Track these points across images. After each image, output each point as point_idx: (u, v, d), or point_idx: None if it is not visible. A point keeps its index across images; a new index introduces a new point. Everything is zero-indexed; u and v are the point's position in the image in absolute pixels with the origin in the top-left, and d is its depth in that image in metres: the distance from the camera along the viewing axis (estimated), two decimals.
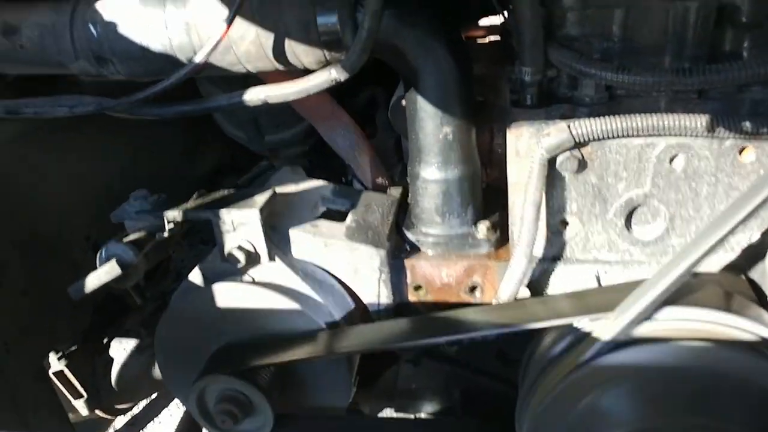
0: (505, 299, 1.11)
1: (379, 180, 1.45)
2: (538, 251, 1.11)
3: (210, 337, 1.22)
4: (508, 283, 1.10)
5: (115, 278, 1.09)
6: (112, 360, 1.64)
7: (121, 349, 1.66)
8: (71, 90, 1.41)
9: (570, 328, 1.02)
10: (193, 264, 1.81)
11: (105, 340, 1.67)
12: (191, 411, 1.20)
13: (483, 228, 1.18)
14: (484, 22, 1.73)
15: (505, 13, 1.19)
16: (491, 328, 1.05)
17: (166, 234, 1.14)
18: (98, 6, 1.17)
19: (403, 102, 1.40)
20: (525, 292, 1.13)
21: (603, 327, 0.95)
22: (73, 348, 1.62)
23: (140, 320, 1.70)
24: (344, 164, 1.78)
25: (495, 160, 1.26)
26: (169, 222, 1.15)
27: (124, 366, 1.63)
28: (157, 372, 1.69)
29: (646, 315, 0.94)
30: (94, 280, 1.09)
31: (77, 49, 1.19)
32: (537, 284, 1.14)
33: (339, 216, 1.27)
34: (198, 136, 1.89)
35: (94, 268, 1.41)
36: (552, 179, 1.04)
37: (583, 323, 0.99)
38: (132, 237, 1.15)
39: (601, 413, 0.95)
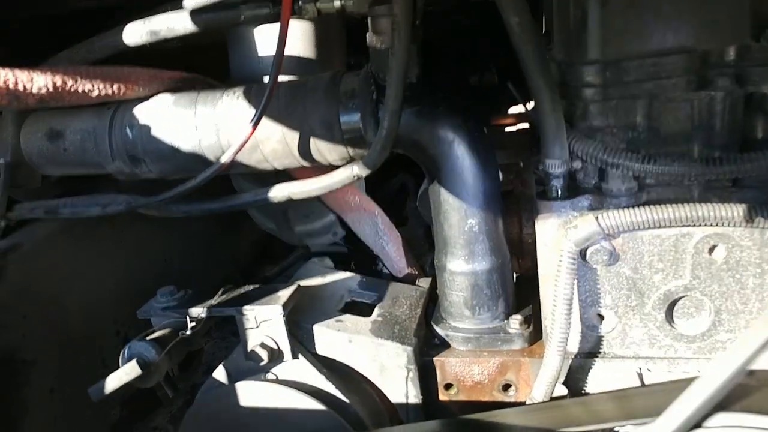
0: (540, 398, 1.04)
1: (408, 270, 1.43)
2: (573, 346, 1.05)
3: None
4: (542, 382, 1.03)
5: (136, 378, 1.07)
6: None
7: None
8: (108, 186, 1.48)
9: None
10: (223, 357, 1.80)
11: None
12: None
13: (515, 322, 1.13)
14: (513, 110, 1.75)
15: (528, 105, 1.20)
16: None
17: (188, 332, 1.13)
18: (135, 110, 1.23)
19: None
20: (562, 390, 1.06)
21: None
22: None
23: (168, 416, 1.67)
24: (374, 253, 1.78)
25: (526, 250, 1.23)
26: (192, 320, 1.14)
27: None
28: None
29: (695, 422, 0.86)
30: (114, 381, 1.08)
31: (114, 151, 1.24)
32: (574, 381, 1.07)
33: (366, 309, 1.24)
34: (233, 227, 1.93)
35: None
36: (584, 272, 1.00)
37: (626, 429, 0.91)
38: (156, 334, 1.14)
39: None
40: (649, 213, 0.91)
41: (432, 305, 1.27)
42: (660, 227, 0.93)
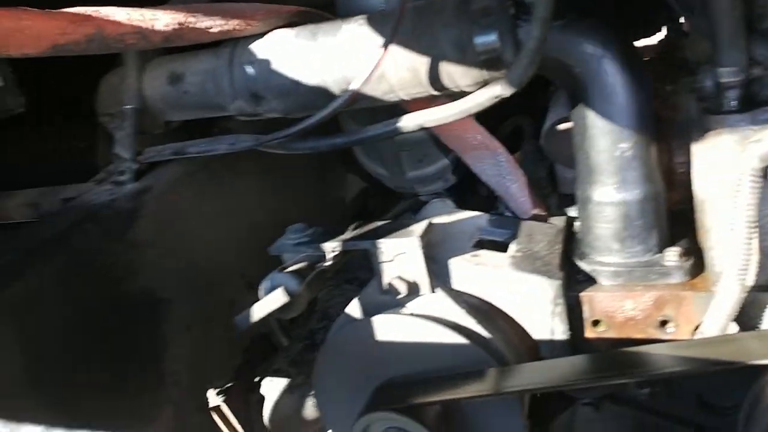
0: (714, 334, 0.95)
1: (536, 210, 1.35)
2: (749, 278, 0.94)
3: (371, 372, 1.16)
4: (716, 316, 0.94)
5: (280, 307, 1.08)
6: (263, 398, 1.65)
7: (272, 388, 1.66)
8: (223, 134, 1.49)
9: None
10: (339, 303, 1.81)
11: (257, 379, 1.69)
12: None
13: (673, 254, 1.03)
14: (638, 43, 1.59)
15: (685, 17, 1.07)
16: (701, 364, 0.89)
17: (327, 264, 1.12)
18: (253, 47, 1.20)
19: (559, 126, 1.31)
20: (733, 328, 0.97)
21: None
22: (229, 385, 1.65)
23: (289, 360, 1.70)
24: (489, 201, 1.70)
25: (677, 182, 1.12)
26: (328, 253, 1.13)
27: (276, 405, 1.63)
28: (308, 412, 1.67)
29: None
30: (260, 309, 1.09)
31: (235, 90, 1.23)
32: (747, 318, 0.97)
33: (499, 246, 1.18)
34: (339, 177, 1.92)
35: (250, 304, 1.44)
36: (765, 192, 0.88)
37: None
38: (294, 268, 1.14)
39: None
40: None
41: (569, 243, 1.19)
42: None
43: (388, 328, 1.12)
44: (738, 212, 0.88)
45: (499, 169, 1.35)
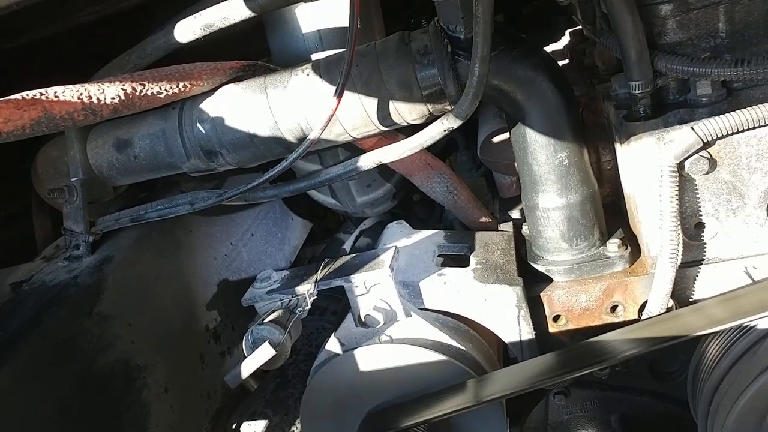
0: (656, 312, 1.08)
1: (483, 219, 1.46)
2: (679, 259, 1.09)
3: (358, 402, 1.22)
4: (657, 295, 1.07)
5: (267, 360, 1.11)
6: None
7: (251, 431, 1.67)
8: (171, 190, 1.50)
9: (741, 330, 0.99)
10: (304, 336, 1.84)
11: (234, 425, 1.68)
12: None
13: (614, 246, 1.17)
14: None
15: (593, 33, 1.21)
16: (651, 343, 1.02)
17: (307, 307, 1.16)
18: (203, 105, 1.24)
19: (494, 139, 1.43)
20: (669, 303, 1.11)
21: None
22: None
23: (264, 401, 1.71)
24: (423, 204, 1.81)
25: (605, 178, 1.27)
26: (305, 296, 1.17)
27: None
28: None
29: None
30: (249, 365, 1.11)
31: (188, 149, 1.25)
32: (681, 292, 1.12)
33: (460, 260, 1.28)
34: (286, 212, 1.95)
35: (217, 356, 1.46)
36: (681, 184, 1.03)
37: (761, 321, 0.96)
38: (272, 317, 1.17)
39: None
40: (746, 114, 0.95)
41: (521, 246, 1.30)
42: (758, 127, 0.96)
43: (370, 358, 1.18)
44: (663, 204, 1.02)
45: (445, 186, 1.45)
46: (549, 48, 1.82)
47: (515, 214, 1.52)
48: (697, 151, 1.00)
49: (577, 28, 1.70)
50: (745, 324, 0.97)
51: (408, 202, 1.88)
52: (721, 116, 0.96)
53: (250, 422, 1.69)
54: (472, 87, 1.00)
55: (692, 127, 0.98)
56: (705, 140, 0.98)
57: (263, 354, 1.09)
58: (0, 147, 1.07)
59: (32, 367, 1.08)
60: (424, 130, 1.11)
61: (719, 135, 0.97)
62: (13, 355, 1.07)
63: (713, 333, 1.04)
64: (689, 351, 1.14)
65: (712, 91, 0.99)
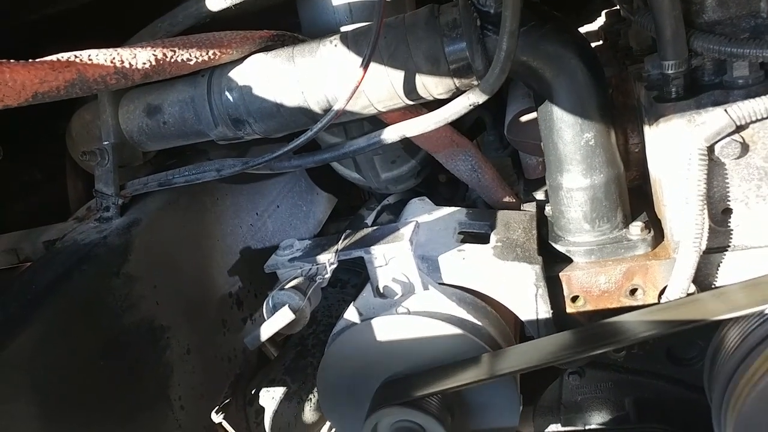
0: (676, 296, 1.07)
1: (507, 198, 1.46)
2: (703, 244, 1.07)
3: (374, 372, 1.24)
4: (678, 280, 1.06)
5: (286, 324, 1.13)
6: (263, 409, 1.69)
7: (269, 398, 1.71)
8: (197, 157, 1.53)
9: (760, 318, 0.97)
10: (324, 307, 1.87)
11: (253, 391, 1.73)
12: None
13: (636, 229, 1.15)
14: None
15: (630, 12, 1.18)
16: (669, 326, 1.01)
17: (327, 275, 1.18)
18: (232, 74, 1.25)
19: (522, 117, 1.42)
20: (691, 288, 1.09)
21: None
22: (227, 401, 1.68)
23: (283, 369, 1.75)
24: (449, 186, 1.81)
25: (632, 161, 1.25)
26: (325, 265, 1.19)
27: (276, 414, 1.68)
28: (307, 416, 1.73)
29: None
30: (269, 329, 1.14)
31: (216, 116, 1.27)
32: (704, 278, 1.11)
33: (480, 238, 1.28)
34: (312, 186, 1.98)
35: (239, 322, 1.50)
36: (710, 168, 1.01)
37: None
38: (293, 283, 1.20)
39: None
40: None
41: (543, 227, 1.30)
42: None
43: (387, 328, 1.20)
44: (690, 187, 1.00)
45: (470, 164, 1.45)
46: (584, 28, 1.77)
47: (540, 195, 1.51)
48: (730, 134, 0.97)
49: (614, 8, 1.66)
50: (765, 312, 0.96)
51: (433, 182, 1.88)
52: (756, 99, 0.94)
53: (268, 389, 1.74)
54: (499, 62, 0.99)
55: (725, 110, 0.96)
56: (738, 123, 0.95)
57: (282, 318, 1.11)
58: (38, 108, 1.10)
59: (61, 321, 1.13)
60: (449, 104, 1.11)
61: (754, 118, 0.95)
62: (44, 308, 1.11)
63: (732, 319, 1.03)
64: (708, 337, 1.13)
65: (750, 73, 0.96)
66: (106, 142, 1.35)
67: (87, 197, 1.66)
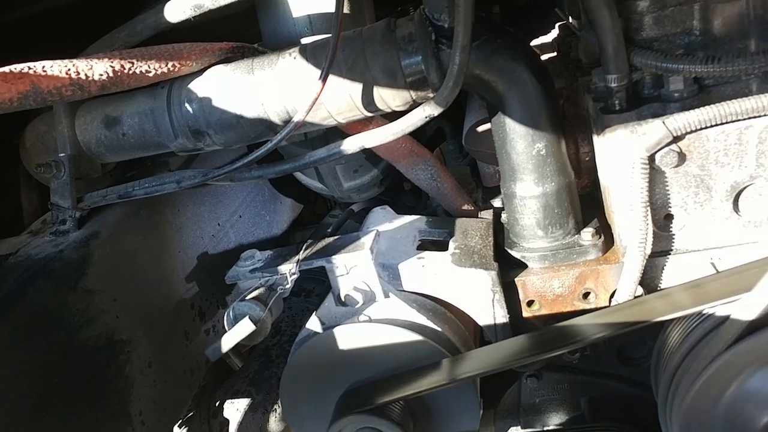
0: (625, 299, 1.12)
1: (465, 206, 1.50)
2: (647, 248, 1.12)
3: (336, 380, 1.25)
4: (625, 283, 1.11)
5: (247, 336, 1.14)
6: (227, 421, 1.68)
7: (234, 409, 1.70)
8: (158, 168, 1.52)
9: (701, 317, 1.03)
10: (288, 317, 1.87)
11: (217, 403, 1.72)
12: None
13: (588, 235, 1.20)
14: (534, 42, 1.79)
15: (576, 27, 1.24)
16: (618, 327, 1.06)
17: (288, 286, 1.19)
18: (192, 85, 1.26)
19: (479, 128, 1.46)
20: (638, 291, 1.15)
21: (744, 308, 0.95)
22: (190, 414, 1.67)
23: (247, 380, 1.75)
24: (413, 193, 1.85)
25: (584, 169, 1.30)
26: (287, 275, 1.20)
27: (241, 426, 1.67)
28: (272, 427, 1.73)
29: None
30: (229, 340, 1.14)
31: (176, 128, 1.28)
32: (649, 280, 1.16)
33: (439, 245, 1.31)
34: (275, 195, 1.98)
35: (202, 334, 1.49)
36: (652, 176, 1.07)
37: (719, 308, 1.00)
38: (253, 294, 1.20)
39: (755, 393, 0.95)
40: (715, 110, 0.98)
41: (499, 233, 1.34)
42: (725, 123, 0.99)
43: (349, 336, 1.22)
44: (634, 195, 1.05)
45: (429, 173, 1.48)
46: (539, 40, 1.84)
47: (497, 203, 1.55)
48: (668, 145, 1.03)
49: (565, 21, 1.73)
50: (705, 312, 1.01)
51: (398, 190, 1.91)
52: (691, 111, 1.00)
53: (233, 400, 1.73)
54: (453, 75, 1.03)
55: (663, 121, 1.01)
56: (675, 134, 1.01)
57: (243, 329, 1.12)
58: None
59: (15, 338, 1.11)
60: (405, 116, 1.14)
61: (689, 129, 1.01)
62: None
63: (675, 319, 1.08)
64: (656, 337, 1.18)
65: (684, 87, 1.03)
66: (62, 154, 1.33)
67: (42, 210, 1.64)
